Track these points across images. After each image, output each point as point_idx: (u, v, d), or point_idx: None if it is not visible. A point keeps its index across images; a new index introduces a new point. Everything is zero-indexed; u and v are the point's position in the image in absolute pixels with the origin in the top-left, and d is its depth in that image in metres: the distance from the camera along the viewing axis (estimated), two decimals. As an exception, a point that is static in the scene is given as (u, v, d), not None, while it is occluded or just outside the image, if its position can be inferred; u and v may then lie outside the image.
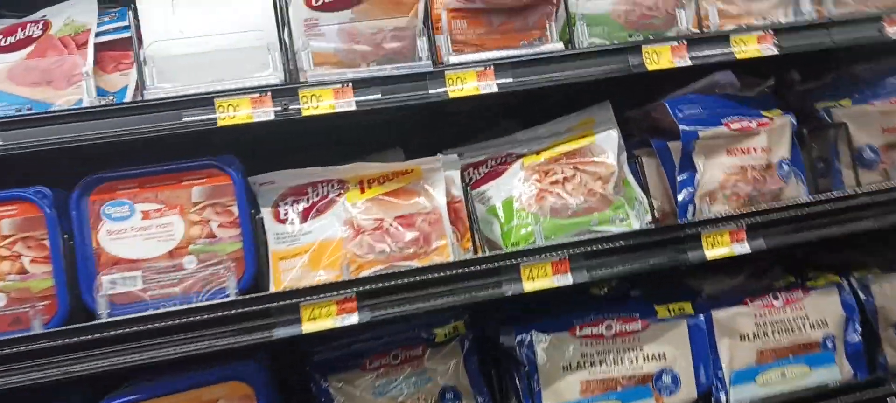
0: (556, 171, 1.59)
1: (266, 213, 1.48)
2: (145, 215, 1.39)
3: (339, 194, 1.49)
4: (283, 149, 1.60)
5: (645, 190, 1.64)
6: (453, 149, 1.64)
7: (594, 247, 1.46)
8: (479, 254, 1.49)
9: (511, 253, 1.42)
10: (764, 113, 1.72)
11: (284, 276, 1.43)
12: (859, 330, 1.71)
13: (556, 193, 1.56)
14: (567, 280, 1.45)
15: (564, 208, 1.54)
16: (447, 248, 1.48)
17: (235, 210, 1.42)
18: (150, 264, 1.38)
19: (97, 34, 1.48)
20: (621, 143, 1.67)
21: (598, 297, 1.72)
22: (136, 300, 1.36)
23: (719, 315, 1.64)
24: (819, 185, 1.73)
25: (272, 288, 1.41)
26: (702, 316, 1.63)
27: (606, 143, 1.62)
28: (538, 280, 1.43)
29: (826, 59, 1.92)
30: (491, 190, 1.60)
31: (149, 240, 1.39)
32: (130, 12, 1.43)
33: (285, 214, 1.49)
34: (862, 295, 1.74)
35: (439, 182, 1.52)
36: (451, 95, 1.43)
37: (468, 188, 1.56)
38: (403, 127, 1.74)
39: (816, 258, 1.87)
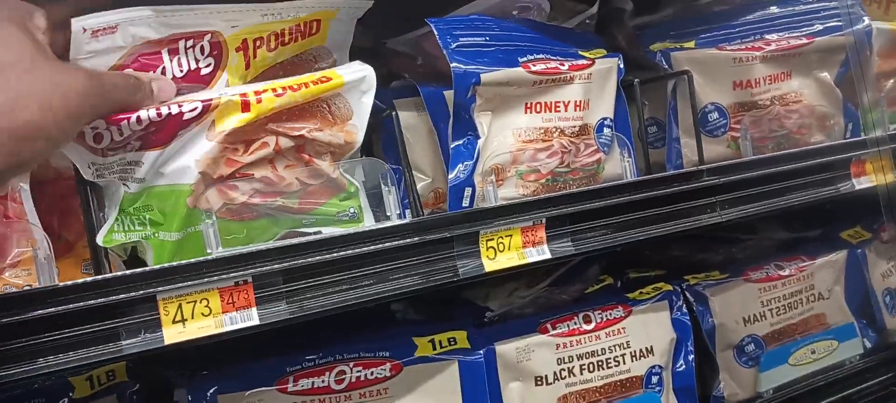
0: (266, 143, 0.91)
1: None
2: None
3: None
4: None
5: (405, 162, 1.06)
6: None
7: (292, 261, 0.86)
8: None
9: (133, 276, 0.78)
10: (582, 52, 1.18)
11: None
12: (692, 355, 1.26)
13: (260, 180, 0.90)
14: (250, 318, 0.84)
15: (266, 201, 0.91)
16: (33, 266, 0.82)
17: None
18: None
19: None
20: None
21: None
22: None
23: (506, 349, 1.11)
24: (649, 159, 1.23)
25: None
26: (481, 352, 1.09)
27: (356, 96, 0.96)
28: (195, 321, 0.81)
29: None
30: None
31: None
32: None
33: None
34: (697, 310, 1.29)
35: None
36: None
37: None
38: None
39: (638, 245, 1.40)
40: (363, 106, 0.96)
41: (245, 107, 0.85)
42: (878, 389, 1.41)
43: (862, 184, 1.29)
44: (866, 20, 1.29)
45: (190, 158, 0.85)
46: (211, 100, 0.83)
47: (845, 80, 1.32)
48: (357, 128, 0.96)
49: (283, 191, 0.91)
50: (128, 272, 0.78)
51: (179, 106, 0.82)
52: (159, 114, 0.80)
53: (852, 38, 1.25)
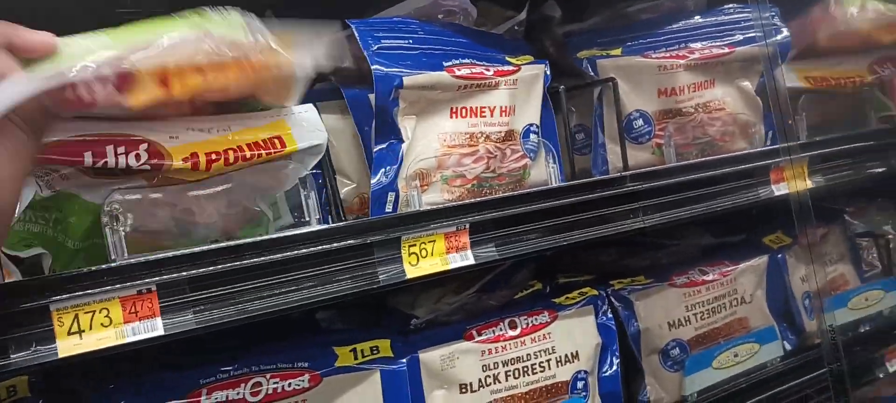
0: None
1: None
2: None
3: None
4: None
5: (328, 167, 1.04)
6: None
7: (200, 268, 0.82)
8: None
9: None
10: (508, 58, 1.18)
11: None
12: (618, 360, 1.26)
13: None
14: (155, 328, 0.80)
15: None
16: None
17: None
18: None
19: None
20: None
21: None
22: None
23: (429, 357, 1.09)
24: (575, 165, 1.24)
25: None
26: (404, 361, 1.07)
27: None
28: (94, 332, 0.77)
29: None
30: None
31: None
32: None
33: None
34: (623, 315, 1.30)
35: None
36: None
37: None
38: None
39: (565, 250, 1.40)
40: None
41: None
42: (798, 390, 1.45)
43: (781, 190, 1.32)
44: (784, 31, 1.32)
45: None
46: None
47: (765, 89, 1.35)
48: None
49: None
50: (17, 281, 0.74)
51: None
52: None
53: (768, 48, 1.28)
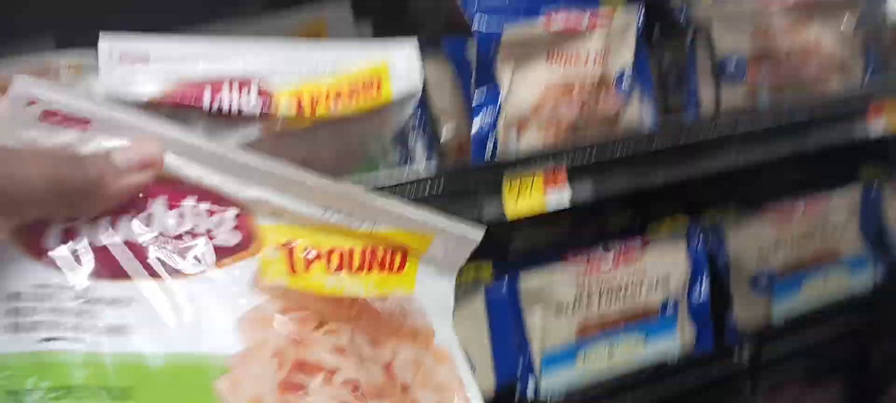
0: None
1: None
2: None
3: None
4: None
5: (430, 112, 1.16)
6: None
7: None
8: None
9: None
10: (603, 3, 1.24)
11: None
12: (707, 288, 1.34)
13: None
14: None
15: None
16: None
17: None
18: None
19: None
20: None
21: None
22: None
23: (529, 280, 1.22)
24: (669, 105, 1.30)
25: None
26: (505, 283, 1.20)
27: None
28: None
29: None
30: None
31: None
32: None
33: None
34: (714, 245, 1.37)
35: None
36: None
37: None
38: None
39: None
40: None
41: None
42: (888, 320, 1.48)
43: (878, 127, 1.33)
44: (887, -36, 1.31)
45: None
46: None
47: (863, 28, 1.34)
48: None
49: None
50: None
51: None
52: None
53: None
